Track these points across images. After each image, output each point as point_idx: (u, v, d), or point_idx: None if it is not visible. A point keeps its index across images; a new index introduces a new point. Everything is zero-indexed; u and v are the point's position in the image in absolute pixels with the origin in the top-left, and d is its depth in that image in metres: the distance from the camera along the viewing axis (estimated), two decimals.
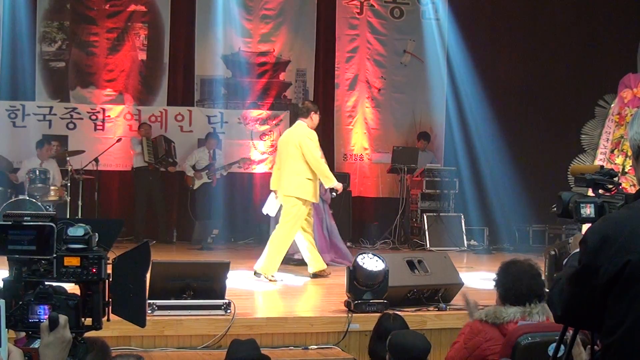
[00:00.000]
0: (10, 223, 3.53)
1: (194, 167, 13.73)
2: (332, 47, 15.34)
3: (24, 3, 13.73)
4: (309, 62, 15.21)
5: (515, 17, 15.36)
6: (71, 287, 3.57)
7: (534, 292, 4.65)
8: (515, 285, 4.64)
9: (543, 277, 4.88)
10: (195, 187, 13.70)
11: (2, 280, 3.78)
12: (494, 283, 4.82)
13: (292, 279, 9.92)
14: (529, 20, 15.31)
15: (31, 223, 3.57)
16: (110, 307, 3.81)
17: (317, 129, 14.92)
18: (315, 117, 10.05)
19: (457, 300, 7.62)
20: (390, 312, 6.17)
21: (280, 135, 14.68)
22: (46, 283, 3.70)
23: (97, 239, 3.87)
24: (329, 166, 14.91)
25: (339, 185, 10.09)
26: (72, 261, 3.65)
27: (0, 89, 13.71)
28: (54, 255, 3.60)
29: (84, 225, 3.81)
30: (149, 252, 4.93)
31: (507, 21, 15.41)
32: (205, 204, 13.63)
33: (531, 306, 4.60)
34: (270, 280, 9.32)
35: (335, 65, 15.32)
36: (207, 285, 7.08)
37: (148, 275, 6.54)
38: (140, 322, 3.98)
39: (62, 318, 3.36)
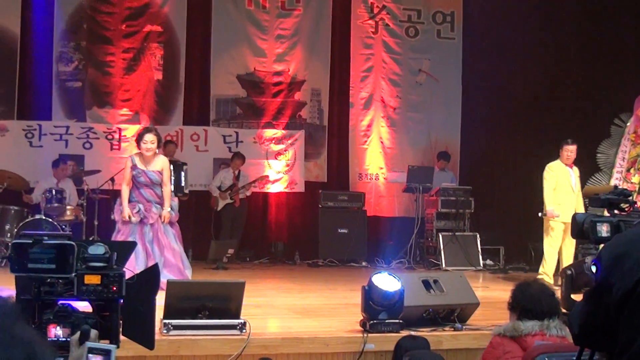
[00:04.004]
0: (30, 241, 3.55)
1: (219, 188, 13.83)
2: (347, 67, 15.42)
3: (41, 23, 13.91)
4: (324, 82, 15.27)
5: (530, 35, 15.33)
6: (83, 307, 3.58)
7: (552, 310, 4.69)
8: (535, 306, 4.68)
9: (558, 296, 4.89)
10: (219, 209, 13.80)
11: (20, 298, 3.77)
12: (509, 306, 4.83)
13: (309, 298, 9.91)
14: (544, 39, 15.29)
15: (51, 242, 3.58)
16: (121, 329, 3.84)
17: (332, 148, 15.13)
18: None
19: (474, 320, 7.58)
20: (413, 333, 6.16)
21: (295, 154, 14.79)
22: (60, 302, 3.71)
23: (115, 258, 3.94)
24: (344, 186, 15.06)
25: None
26: (93, 279, 3.70)
27: (17, 108, 13.86)
28: (74, 273, 3.63)
29: (103, 244, 3.88)
30: (159, 274, 4.95)
31: (522, 40, 15.37)
32: (227, 224, 13.74)
33: (549, 321, 4.64)
34: None
35: (350, 85, 15.39)
36: (222, 305, 7.04)
37: (164, 295, 6.58)
38: (149, 344, 3.99)
39: (93, 332, 3.38)
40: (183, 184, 12.86)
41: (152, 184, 9.81)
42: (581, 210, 11.12)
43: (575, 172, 11.62)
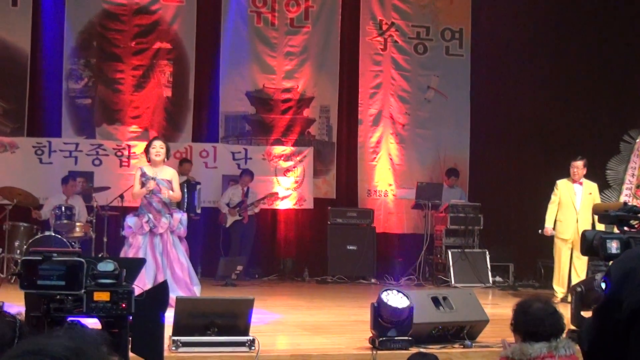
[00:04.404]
0: (40, 258, 3.62)
1: (228, 205, 13.85)
2: (356, 83, 15.45)
3: (51, 41, 14.02)
4: (333, 99, 15.31)
5: (539, 51, 15.36)
6: (92, 324, 3.61)
7: (557, 329, 4.63)
8: (538, 328, 4.61)
9: (569, 313, 4.85)
10: (227, 225, 13.82)
11: (29, 316, 3.78)
12: (511, 327, 4.78)
13: (318, 315, 9.95)
14: (553, 55, 15.32)
15: (61, 259, 3.67)
16: (130, 345, 3.87)
17: (341, 165, 15.14)
18: None
19: (484, 338, 7.58)
20: (423, 350, 6.14)
21: (304, 171, 14.81)
22: (69, 319, 3.75)
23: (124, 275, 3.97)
24: (352, 203, 15.07)
25: None
26: (102, 296, 3.78)
27: (27, 125, 13.94)
28: (84, 290, 3.70)
29: (112, 261, 3.92)
30: (168, 291, 4.95)
31: (531, 56, 15.41)
32: (235, 240, 13.77)
33: (557, 341, 4.57)
34: None
35: (359, 101, 15.40)
36: (231, 321, 7.07)
37: (173, 312, 6.59)
38: None
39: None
40: (196, 204, 12.93)
41: (161, 192, 9.88)
42: (585, 227, 11.11)
43: (586, 188, 11.65)
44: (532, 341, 4.60)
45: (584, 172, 11.63)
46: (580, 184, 11.63)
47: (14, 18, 13.89)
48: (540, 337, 4.60)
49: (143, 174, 9.89)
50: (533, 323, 4.62)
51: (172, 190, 9.90)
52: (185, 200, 12.56)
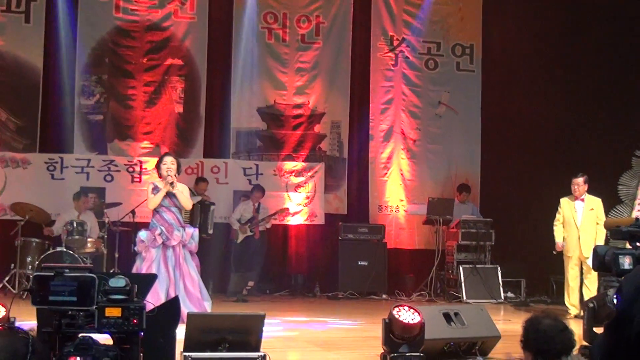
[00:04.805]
0: (52, 274, 3.66)
1: (239, 221, 13.86)
2: (367, 99, 15.51)
3: (63, 57, 14.10)
4: (344, 114, 15.37)
5: (549, 66, 15.41)
6: (104, 339, 3.61)
7: (567, 346, 4.53)
8: (549, 345, 4.53)
9: (581, 329, 4.81)
10: (239, 241, 13.82)
11: (41, 331, 3.80)
12: (521, 344, 4.70)
13: (329, 331, 9.95)
14: (564, 71, 15.35)
15: (72, 274, 3.69)
16: None
17: (352, 181, 15.17)
18: None
19: (495, 354, 7.60)
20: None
21: (315, 187, 14.84)
22: (80, 335, 3.76)
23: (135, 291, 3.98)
24: (364, 218, 15.07)
25: None
26: (114, 312, 3.81)
27: (39, 141, 14.02)
28: (95, 306, 3.74)
29: (123, 277, 3.93)
30: (179, 307, 4.95)
31: (541, 72, 15.45)
32: (247, 256, 13.77)
33: (567, 358, 4.46)
34: None
35: (370, 117, 15.46)
36: (242, 337, 6.98)
37: (184, 328, 6.60)
38: None
39: None
40: (209, 224, 12.94)
41: (174, 205, 9.99)
42: (587, 243, 11.22)
43: (587, 204, 11.69)
44: (542, 359, 4.53)
45: (585, 188, 11.67)
46: (582, 200, 11.68)
47: (27, 35, 14.01)
48: (551, 355, 4.53)
49: (155, 188, 9.98)
50: (543, 340, 4.57)
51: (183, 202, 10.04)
52: (198, 221, 12.56)
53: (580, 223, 11.59)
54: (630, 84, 14.90)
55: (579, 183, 11.60)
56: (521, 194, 15.20)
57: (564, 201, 11.75)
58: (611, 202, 12.30)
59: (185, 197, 10.06)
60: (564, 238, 11.72)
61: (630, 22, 14.70)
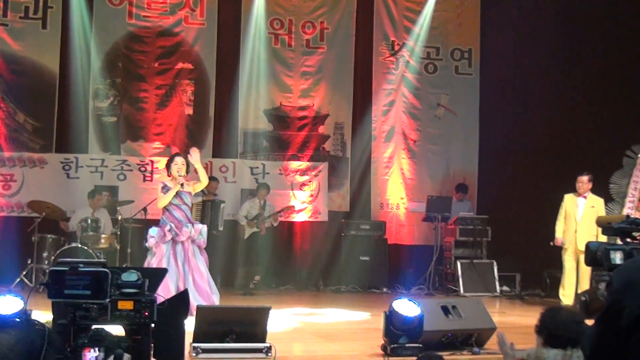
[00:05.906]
0: (67, 269, 3.74)
1: (246, 217, 13.95)
2: (369, 101, 15.62)
3: (79, 61, 14.24)
4: (347, 116, 15.51)
5: (545, 70, 15.44)
6: (115, 331, 3.70)
7: (578, 339, 4.50)
8: (563, 332, 4.61)
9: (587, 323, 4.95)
10: (246, 237, 13.90)
11: (56, 324, 3.95)
12: (536, 328, 4.80)
13: (332, 323, 10.13)
14: (559, 73, 15.39)
15: (87, 269, 3.76)
16: (152, 352, 4.01)
17: (354, 179, 15.35)
18: None
19: (491, 344, 7.56)
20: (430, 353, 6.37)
21: (319, 185, 15.09)
22: (93, 327, 3.88)
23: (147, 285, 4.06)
24: (366, 215, 15.20)
25: None
26: (126, 305, 3.87)
27: (55, 142, 14.18)
28: (108, 299, 3.80)
29: (135, 271, 4.07)
30: (189, 300, 4.94)
31: (537, 74, 15.51)
32: (252, 251, 13.83)
33: (572, 350, 4.56)
34: None
35: (372, 118, 15.58)
36: (249, 329, 7.11)
37: (193, 320, 6.86)
38: None
39: (126, 356, 3.63)
40: (219, 221, 13.07)
41: (183, 203, 10.20)
42: (584, 237, 11.22)
43: (589, 201, 11.91)
44: (550, 346, 4.65)
45: (589, 186, 11.91)
46: (585, 197, 11.92)
47: (44, 40, 14.17)
48: (560, 344, 4.63)
49: (164, 187, 10.20)
50: (558, 327, 4.65)
51: (194, 188, 10.36)
52: (209, 218, 12.74)
53: (579, 218, 11.79)
54: (623, 87, 14.95)
55: (584, 181, 11.83)
56: (516, 193, 15.31)
57: (568, 197, 11.98)
58: (603, 200, 12.45)
59: (203, 173, 10.35)
60: (563, 232, 11.94)
61: (626, 26, 14.73)
